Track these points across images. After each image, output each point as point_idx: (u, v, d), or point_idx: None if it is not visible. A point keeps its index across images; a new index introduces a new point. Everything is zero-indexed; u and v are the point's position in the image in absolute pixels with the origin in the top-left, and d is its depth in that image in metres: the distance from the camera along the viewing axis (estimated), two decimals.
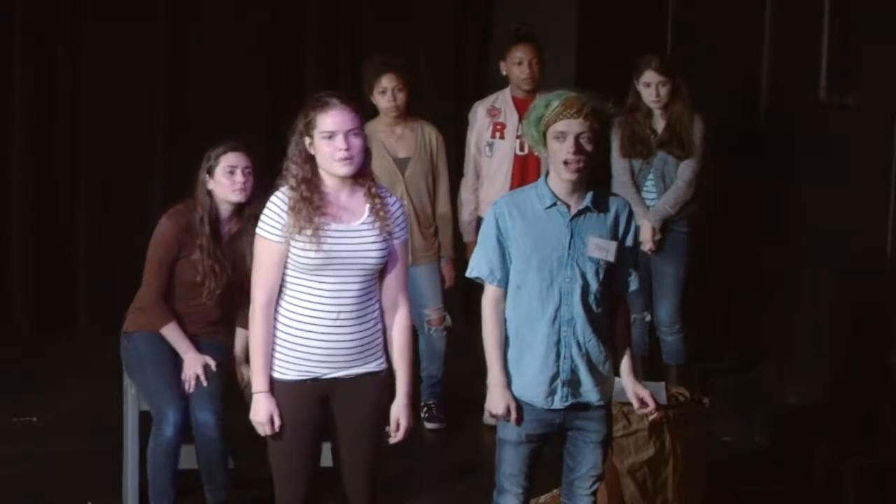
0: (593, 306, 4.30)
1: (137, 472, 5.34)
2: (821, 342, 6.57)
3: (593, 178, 4.31)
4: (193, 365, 5.18)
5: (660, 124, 6.41)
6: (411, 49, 8.28)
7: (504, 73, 6.67)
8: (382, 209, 4.23)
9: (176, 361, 5.24)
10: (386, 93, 6.36)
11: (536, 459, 4.40)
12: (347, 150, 4.13)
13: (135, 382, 5.32)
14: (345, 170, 4.16)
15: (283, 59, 8.34)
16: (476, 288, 4.49)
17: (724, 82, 7.49)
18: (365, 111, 6.62)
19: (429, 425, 6.62)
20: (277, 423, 4.21)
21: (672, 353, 6.59)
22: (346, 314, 4.20)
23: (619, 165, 6.46)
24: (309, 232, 4.12)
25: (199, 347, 5.29)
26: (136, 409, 5.32)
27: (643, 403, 4.37)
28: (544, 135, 4.24)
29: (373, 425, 4.33)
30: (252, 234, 5.20)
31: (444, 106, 8.24)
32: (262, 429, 4.22)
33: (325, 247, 4.14)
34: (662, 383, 5.37)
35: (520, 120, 6.53)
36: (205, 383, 5.13)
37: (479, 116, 6.68)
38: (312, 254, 4.14)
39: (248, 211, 5.22)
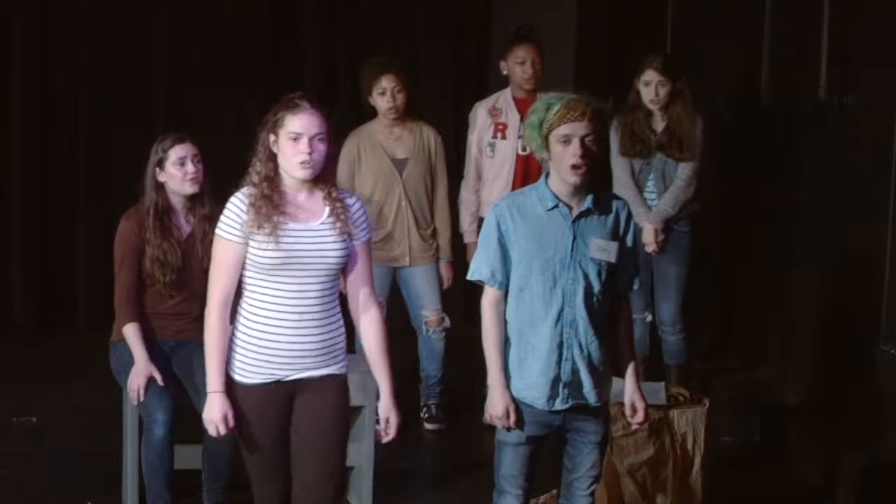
0: (596, 307, 4.30)
1: (137, 472, 5.34)
2: (821, 342, 6.57)
3: (598, 178, 4.31)
4: (138, 375, 5.14)
5: (659, 125, 6.41)
6: (411, 49, 8.28)
7: (505, 72, 6.66)
8: (342, 210, 4.22)
9: (160, 364, 5.23)
10: (385, 94, 6.35)
11: (536, 460, 4.40)
12: (310, 153, 4.14)
13: (125, 389, 5.32)
14: (303, 173, 4.17)
15: (283, 58, 8.34)
16: (475, 289, 4.48)
17: (725, 82, 7.49)
18: (363, 112, 6.66)
19: (428, 426, 6.62)
20: (231, 423, 4.21)
21: (673, 352, 6.59)
22: (309, 315, 4.20)
23: (619, 165, 6.46)
24: (267, 230, 4.13)
25: (189, 349, 5.29)
26: (135, 410, 5.33)
27: (635, 412, 4.39)
28: (546, 138, 4.24)
29: (335, 427, 4.31)
30: (207, 232, 5.26)
31: (443, 106, 8.24)
32: (215, 428, 4.21)
33: (284, 245, 4.14)
34: (662, 383, 5.38)
35: (521, 120, 6.52)
36: (141, 398, 5.12)
37: (481, 117, 6.66)
38: (271, 252, 4.14)
39: (202, 210, 5.29)
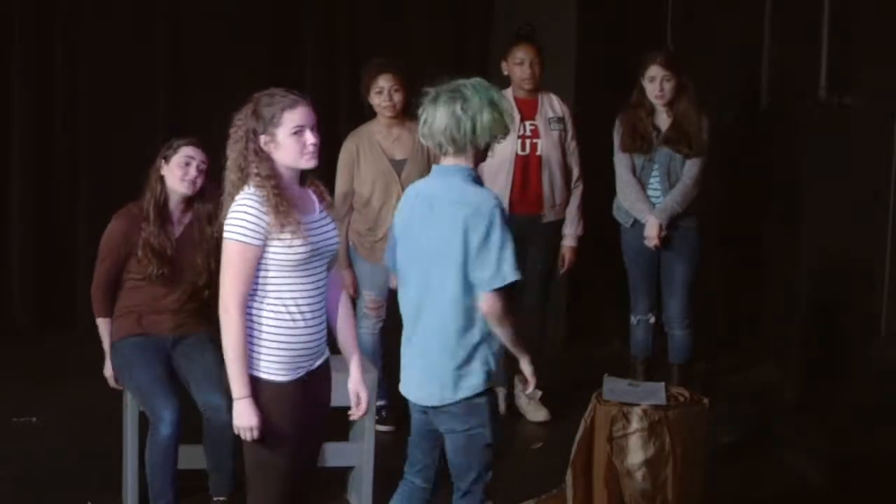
0: None
1: (137, 471, 5.34)
2: (820, 341, 6.58)
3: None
4: (106, 367, 5.39)
5: (664, 122, 6.38)
6: (411, 49, 8.28)
7: (506, 72, 6.67)
8: (329, 200, 4.34)
9: (160, 361, 5.25)
10: (382, 93, 6.36)
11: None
12: (315, 144, 4.21)
13: (128, 388, 5.34)
14: (312, 163, 4.23)
15: (283, 59, 8.34)
16: None
17: (724, 82, 7.50)
18: (363, 112, 6.66)
19: None
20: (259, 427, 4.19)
21: (679, 349, 6.54)
22: (324, 303, 4.28)
23: (620, 163, 6.44)
24: (293, 227, 4.13)
25: (188, 345, 5.31)
26: (135, 409, 5.33)
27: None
28: None
29: (328, 408, 4.42)
30: (202, 232, 5.28)
31: None
32: (250, 433, 4.16)
33: (311, 239, 4.18)
34: (662, 383, 5.37)
35: (521, 120, 6.53)
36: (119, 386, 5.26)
37: None
38: (301, 248, 4.14)
39: (200, 209, 5.33)
